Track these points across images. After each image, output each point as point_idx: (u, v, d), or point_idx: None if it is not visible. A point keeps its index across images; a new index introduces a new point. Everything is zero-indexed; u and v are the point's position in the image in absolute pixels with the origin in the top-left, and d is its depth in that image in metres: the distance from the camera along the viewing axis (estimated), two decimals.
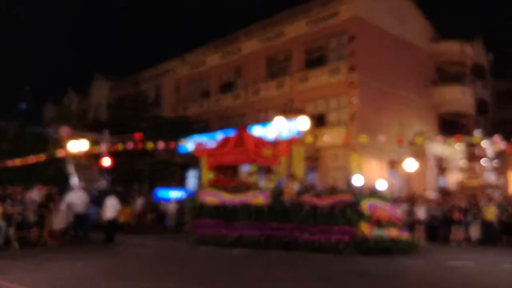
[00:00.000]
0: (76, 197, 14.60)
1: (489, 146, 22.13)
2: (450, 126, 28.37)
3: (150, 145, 19.40)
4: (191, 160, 28.83)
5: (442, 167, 25.75)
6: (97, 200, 16.36)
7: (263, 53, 27.92)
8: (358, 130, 21.38)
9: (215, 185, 14.67)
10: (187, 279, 8.16)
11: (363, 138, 17.35)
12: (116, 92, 38.29)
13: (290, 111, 19.15)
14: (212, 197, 13.79)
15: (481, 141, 20.93)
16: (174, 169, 28.18)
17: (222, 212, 13.35)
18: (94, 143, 22.49)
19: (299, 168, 18.54)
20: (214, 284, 7.76)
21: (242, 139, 15.04)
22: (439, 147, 24.75)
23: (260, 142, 15.64)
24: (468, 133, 27.38)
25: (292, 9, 26.31)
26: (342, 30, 23.76)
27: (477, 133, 24.61)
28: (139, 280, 7.94)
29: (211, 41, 31.60)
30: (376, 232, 11.55)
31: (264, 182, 14.75)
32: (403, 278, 8.55)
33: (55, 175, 25.59)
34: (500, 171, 25.30)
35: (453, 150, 25.45)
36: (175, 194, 23.69)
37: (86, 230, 14.70)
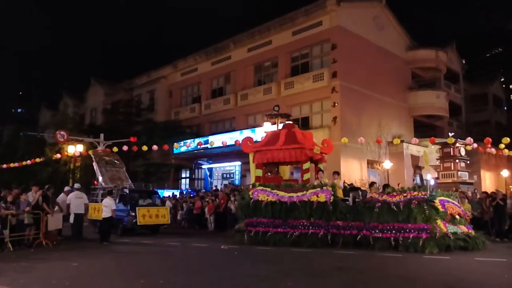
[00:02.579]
0: (74, 198, 14.51)
1: (462, 146, 23.65)
2: (425, 128, 30.20)
3: (144, 148, 19.96)
4: (184, 162, 30.37)
5: (418, 166, 27.30)
6: (129, 201, 16.38)
7: (251, 61, 29.41)
8: (340, 132, 22.68)
9: (264, 182, 13.98)
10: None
11: (344, 140, 18.18)
12: (111, 97, 39.33)
13: (276, 115, 20.67)
14: (265, 195, 13.00)
15: (454, 141, 21.39)
16: (168, 170, 29.47)
17: (278, 210, 12.69)
18: (90, 147, 23.39)
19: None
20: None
21: (293, 136, 14.34)
22: (415, 148, 26.37)
23: (310, 139, 14.77)
24: (442, 134, 29.27)
25: (279, 18, 27.58)
26: (325, 38, 25.16)
27: (450, 134, 26.26)
28: (135, 279, 7.81)
29: (202, 49, 33.02)
30: (451, 228, 11.21)
31: (317, 180, 14.00)
32: None
33: (51, 177, 26.70)
34: (473, 170, 27.07)
35: (428, 150, 27.10)
36: (168, 194, 24.87)
37: (80, 230, 14.58)
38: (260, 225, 12.77)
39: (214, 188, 25.33)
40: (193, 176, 31.60)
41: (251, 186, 14.02)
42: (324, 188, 12.68)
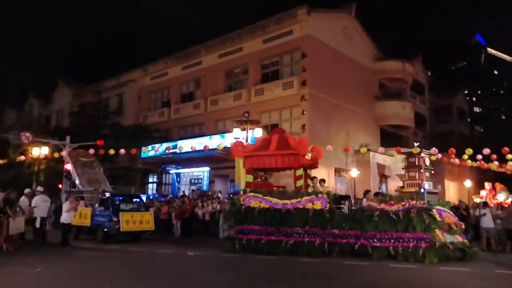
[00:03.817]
0: (41, 201, 14.19)
1: (427, 156, 24.29)
2: (391, 137, 30.89)
3: (111, 151, 19.36)
4: (152, 166, 29.98)
5: (383, 174, 27.97)
6: (111, 206, 15.49)
7: (222, 67, 29.39)
8: (309, 140, 22.89)
9: (255, 188, 13.65)
10: None
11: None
12: (78, 99, 38.49)
13: (246, 122, 20.76)
14: (257, 201, 12.68)
15: (419, 151, 22.57)
16: (135, 174, 29.05)
17: (271, 218, 12.33)
18: (55, 149, 22.83)
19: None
20: None
21: (286, 141, 14.07)
22: (381, 157, 26.94)
23: (305, 145, 14.39)
24: (408, 144, 30.01)
25: (250, 26, 27.67)
26: (296, 47, 25.42)
27: (416, 144, 26.93)
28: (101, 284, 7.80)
29: (173, 54, 32.80)
30: (448, 238, 11.15)
31: (310, 187, 13.89)
32: None
33: (14, 180, 25.86)
34: (437, 179, 27.87)
35: (394, 159, 27.76)
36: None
37: (44, 234, 14.23)
38: (252, 232, 12.37)
39: (181, 193, 25.11)
40: (161, 181, 31.24)
41: (241, 192, 13.65)
42: (319, 195, 12.51)
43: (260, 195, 12.86)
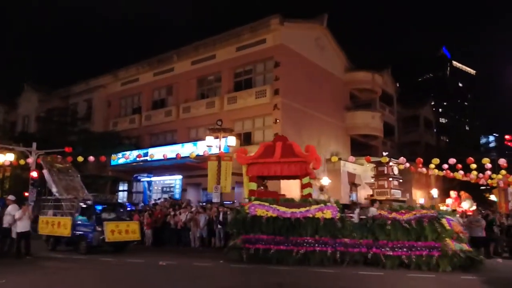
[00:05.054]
0: (9, 211, 13.57)
1: (395, 165, 24.80)
2: (361, 147, 31.45)
3: (80, 158, 19.03)
4: (122, 174, 29.46)
5: (354, 183, 28.40)
6: (94, 215, 14.71)
7: (195, 74, 29.24)
8: None
9: (260, 196, 13.43)
10: None
11: None
12: (45, 104, 37.34)
13: (219, 130, 20.71)
14: (263, 210, 12.43)
15: (388, 161, 22.36)
16: (105, 182, 28.45)
17: (280, 227, 12.10)
18: (21, 156, 22.16)
19: (227, 182, 20.09)
20: None
21: (291, 148, 13.89)
22: (351, 165, 27.35)
23: (313, 152, 14.18)
24: (377, 153, 30.63)
25: (223, 33, 27.71)
26: (269, 56, 25.57)
27: (384, 154, 27.51)
28: None
29: (144, 59, 32.47)
30: (457, 246, 11.17)
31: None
32: None
33: None
34: (405, 188, 28.49)
35: (363, 168, 28.22)
36: None
37: (10, 244, 13.64)
38: (260, 242, 12.06)
39: (153, 202, 24.75)
40: (132, 189, 30.71)
41: (246, 200, 13.36)
42: (328, 204, 12.41)
43: (267, 204, 12.63)
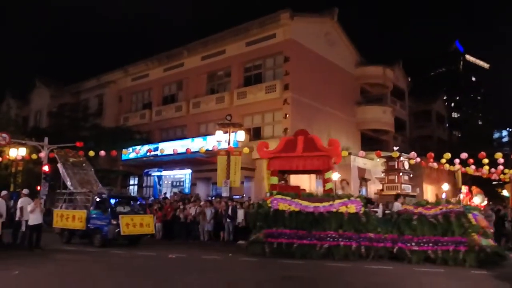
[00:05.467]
0: (20, 203, 13.77)
1: (406, 160, 24.62)
2: (372, 141, 31.29)
3: (91, 153, 19.07)
4: (133, 169, 29.70)
5: (364, 177, 28.28)
6: (107, 208, 14.82)
7: (205, 69, 29.31)
8: None
9: (281, 191, 13.34)
10: None
11: None
12: (57, 100, 37.81)
13: (229, 124, 20.77)
14: (286, 204, 12.37)
15: (399, 155, 22.11)
16: (115, 177, 28.71)
17: (302, 221, 12.05)
18: (33, 150, 22.42)
19: (236, 176, 20.20)
20: None
21: (313, 142, 13.80)
22: (361, 160, 27.24)
23: (337, 146, 14.12)
24: (388, 148, 30.42)
25: (233, 28, 27.68)
26: (278, 51, 25.52)
27: (395, 148, 27.30)
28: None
29: (155, 55, 32.57)
30: (484, 242, 11.00)
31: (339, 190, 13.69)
32: None
33: None
34: (416, 182, 28.30)
35: (374, 163, 28.08)
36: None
37: (23, 237, 13.79)
38: (282, 236, 11.96)
39: (163, 196, 24.94)
40: (142, 184, 30.96)
41: (268, 194, 13.32)
42: (352, 198, 12.40)
43: (289, 198, 12.56)
